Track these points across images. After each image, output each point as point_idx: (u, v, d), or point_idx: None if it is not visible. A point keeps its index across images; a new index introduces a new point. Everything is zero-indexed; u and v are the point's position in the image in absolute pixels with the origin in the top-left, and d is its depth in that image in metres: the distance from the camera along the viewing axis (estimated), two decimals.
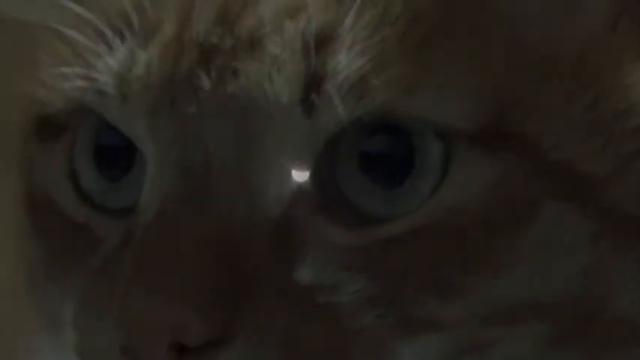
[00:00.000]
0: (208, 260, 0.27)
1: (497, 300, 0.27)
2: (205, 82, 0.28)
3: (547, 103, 0.28)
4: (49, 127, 0.34)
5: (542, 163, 0.28)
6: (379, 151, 0.28)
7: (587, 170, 0.28)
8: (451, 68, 0.28)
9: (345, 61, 0.27)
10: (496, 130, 0.27)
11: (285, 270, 0.27)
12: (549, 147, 0.28)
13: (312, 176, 0.28)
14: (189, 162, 0.28)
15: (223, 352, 0.26)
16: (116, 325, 0.27)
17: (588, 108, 0.29)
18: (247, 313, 0.27)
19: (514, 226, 0.27)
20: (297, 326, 0.27)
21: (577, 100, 0.29)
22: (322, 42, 0.27)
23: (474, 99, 0.27)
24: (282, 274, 0.27)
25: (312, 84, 0.27)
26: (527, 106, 0.28)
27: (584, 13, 0.30)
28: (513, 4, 0.29)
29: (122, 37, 0.30)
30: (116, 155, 0.31)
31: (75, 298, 0.31)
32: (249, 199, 0.28)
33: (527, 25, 0.29)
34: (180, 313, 0.26)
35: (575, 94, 0.29)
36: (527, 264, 0.28)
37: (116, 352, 0.27)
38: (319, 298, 0.27)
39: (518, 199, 0.27)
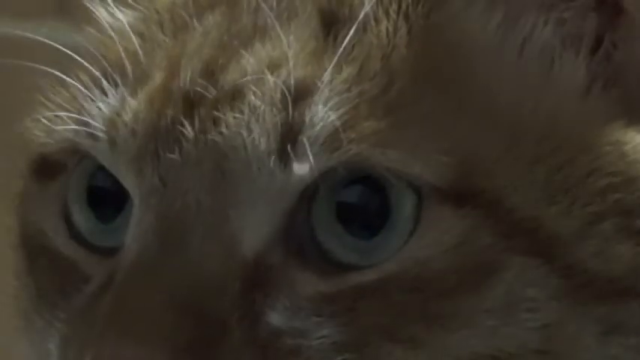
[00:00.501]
0: (181, 306, 0.28)
1: (461, 351, 0.28)
2: (188, 131, 0.29)
3: (514, 164, 0.29)
4: (46, 166, 0.35)
5: (507, 221, 0.28)
6: (355, 201, 0.29)
7: (552, 229, 0.29)
8: (423, 127, 0.29)
9: (322, 114, 0.28)
10: (464, 188, 0.28)
11: (256, 315, 0.28)
12: (515, 206, 0.29)
13: (287, 224, 0.29)
14: (169, 207, 0.29)
15: None
16: None
17: (556, 169, 0.29)
18: (215, 357, 0.27)
19: (479, 280, 0.28)
20: None
21: (545, 162, 0.29)
22: (300, 95, 0.28)
23: (444, 158, 0.28)
24: (253, 319, 0.28)
25: (289, 135, 0.28)
26: (494, 167, 0.29)
27: (559, 79, 0.31)
28: (489, 71, 0.30)
29: (115, 85, 0.31)
30: (108, 197, 0.33)
31: (59, 334, 0.32)
32: (223, 245, 0.29)
33: (501, 90, 0.30)
34: (151, 353, 0.26)
35: (543, 156, 0.29)
36: (490, 318, 0.28)
37: None
38: (287, 342, 0.28)
39: (484, 254, 0.28)
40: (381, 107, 0.28)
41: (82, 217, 0.34)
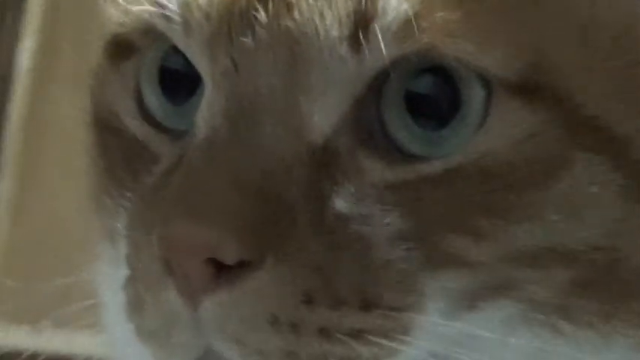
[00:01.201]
0: (249, 186, 0.28)
1: (523, 244, 0.29)
2: (262, 16, 0.29)
3: (586, 62, 0.29)
4: (120, 47, 0.35)
5: (576, 117, 0.29)
6: (425, 91, 0.29)
7: (620, 127, 0.29)
8: (496, 20, 0.29)
9: (395, 3, 0.28)
10: (535, 83, 0.28)
11: (322, 199, 0.29)
12: (585, 102, 0.29)
13: (356, 111, 0.29)
14: (240, 90, 0.29)
15: (255, 273, 0.27)
16: (158, 240, 0.28)
17: (628, 69, 0.29)
18: (281, 239, 0.28)
19: (545, 174, 0.28)
20: (327, 255, 0.28)
21: (617, 61, 0.29)
22: None
23: (516, 51, 0.28)
24: (319, 203, 0.29)
25: (361, 22, 0.28)
26: (566, 63, 0.29)
27: None
28: None
29: None
30: (180, 79, 0.33)
31: (128, 212, 0.33)
32: (293, 129, 0.29)
33: None
34: (217, 232, 0.27)
35: (616, 54, 0.29)
36: (554, 211, 0.28)
37: (158, 266, 0.28)
38: (352, 229, 0.28)
39: (550, 149, 0.28)
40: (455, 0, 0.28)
41: (153, 99, 0.34)
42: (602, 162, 0.29)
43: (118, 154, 0.35)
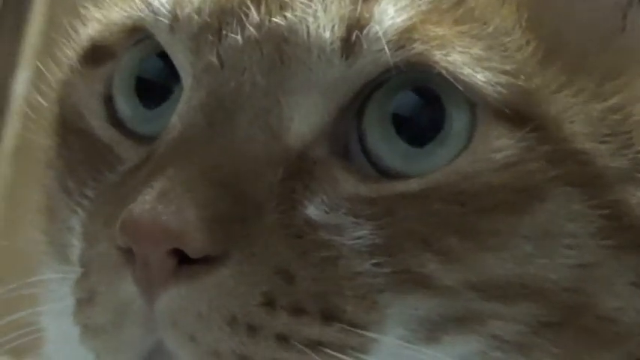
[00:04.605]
0: (220, 181, 0.28)
1: (492, 273, 0.28)
2: (253, 13, 0.30)
3: (575, 97, 0.29)
4: (97, 53, 0.36)
5: (561, 149, 0.28)
6: (411, 107, 0.29)
7: (602, 166, 0.29)
8: (490, 44, 0.29)
9: (391, 13, 0.28)
10: (523, 110, 0.28)
11: (293, 203, 0.28)
12: (571, 136, 0.29)
13: (338, 120, 0.29)
14: (223, 86, 0.29)
15: (217, 269, 0.27)
16: (121, 226, 0.27)
17: (614, 110, 0.29)
18: (246, 237, 0.27)
19: (523, 203, 0.28)
20: (293, 259, 0.28)
21: (604, 101, 0.29)
22: None
23: (506, 76, 0.28)
24: (289, 207, 0.28)
25: (354, 28, 0.28)
26: (555, 95, 0.29)
27: (631, 30, 0.31)
28: (566, 13, 0.31)
29: None
30: (155, 86, 0.33)
31: (85, 211, 0.32)
32: (271, 130, 0.29)
33: (573, 29, 0.31)
34: (184, 222, 0.26)
35: (603, 95, 0.30)
36: (527, 244, 0.28)
37: (115, 257, 0.28)
38: (320, 236, 0.28)
39: (532, 178, 0.28)
40: (452, 17, 0.29)
41: (126, 105, 0.34)
42: (582, 199, 0.29)
43: (81, 155, 0.35)
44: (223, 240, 0.27)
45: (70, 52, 0.38)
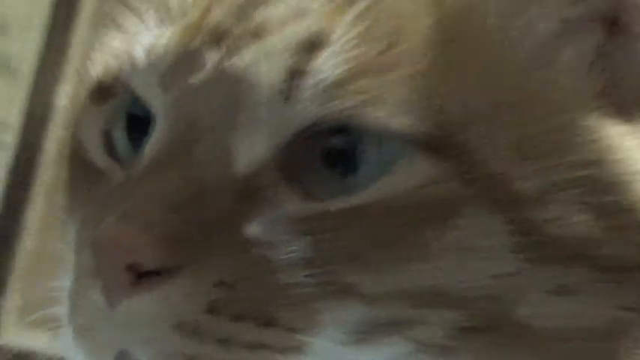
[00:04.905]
0: (177, 203, 0.31)
1: (415, 283, 0.31)
2: (212, 58, 0.33)
3: (492, 125, 0.31)
4: (100, 91, 0.39)
5: (475, 172, 0.31)
6: (342, 143, 0.32)
7: (516, 188, 0.31)
8: (412, 86, 0.31)
9: (327, 66, 0.31)
10: (439, 141, 0.31)
11: (238, 224, 0.31)
12: (484, 161, 0.31)
13: (280, 154, 0.32)
14: (182, 120, 0.33)
15: (169, 281, 0.30)
16: (91, 241, 0.31)
17: (530, 138, 0.32)
18: (196, 254, 0.31)
19: (439, 222, 0.31)
20: (234, 273, 0.31)
21: (521, 129, 0.32)
22: (313, 45, 0.32)
23: (426, 113, 0.31)
24: (234, 226, 0.31)
25: (294, 78, 0.31)
26: (472, 125, 0.31)
27: (553, 64, 0.33)
28: (488, 50, 0.33)
29: (161, 21, 0.36)
30: (142, 121, 0.37)
31: (77, 224, 0.37)
32: (222, 160, 0.32)
33: (492, 62, 0.33)
34: (140, 238, 0.30)
35: (521, 123, 0.32)
36: (446, 258, 0.31)
37: (90, 266, 0.32)
38: (260, 252, 0.31)
39: (446, 199, 0.31)
40: (379, 66, 0.31)
41: (119, 140, 0.38)
42: (497, 217, 0.31)
43: (81, 180, 0.39)
44: (175, 255, 0.30)
45: (82, 89, 0.41)
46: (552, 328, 0.31)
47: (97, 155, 0.39)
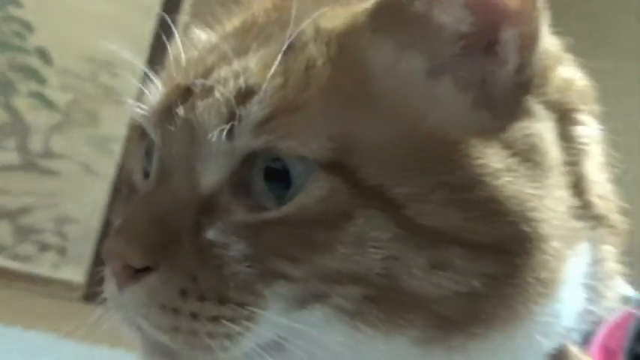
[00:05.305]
0: (157, 219, 0.42)
1: (327, 268, 0.40)
2: (181, 110, 0.43)
3: (374, 149, 0.40)
4: (140, 130, 0.50)
5: (360, 186, 0.40)
6: (276, 168, 0.42)
7: (394, 195, 0.40)
8: (316, 122, 0.40)
9: (254, 110, 0.41)
10: (335, 160, 0.40)
11: (200, 231, 0.41)
12: (367, 175, 0.40)
13: (232, 176, 0.42)
14: (164, 155, 0.44)
15: (151, 275, 0.41)
16: (104, 251, 0.43)
17: (407, 155, 0.40)
18: (170, 255, 0.41)
19: (338, 222, 0.40)
20: (198, 267, 0.41)
21: (398, 150, 0.40)
22: (246, 95, 0.41)
23: (327, 143, 0.40)
24: (198, 233, 0.41)
25: (232, 121, 0.41)
26: (361, 149, 0.40)
27: (426, 95, 0.42)
28: (378, 90, 0.42)
29: (163, 84, 0.47)
30: None
31: None
32: (189, 183, 0.43)
33: (376, 103, 0.42)
34: (128, 249, 0.41)
35: (398, 145, 0.40)
36: (347, 248, 0.40)
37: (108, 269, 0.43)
38: (215, 251, 0.41)
39: (342, 206, 0.39)
40: (291, 107, 0.41)
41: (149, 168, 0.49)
42: (381, 216, 0.40)
43: (126, 197, 0.51)
44: (154, 257, 0.41)
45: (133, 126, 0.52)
46: (433, 294, 0.40)
47: (137, 179, 0.50)
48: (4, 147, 1.87)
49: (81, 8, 1.77)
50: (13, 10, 1.76)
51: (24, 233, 1.89)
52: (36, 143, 1.90)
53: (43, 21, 1.82)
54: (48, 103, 1.88)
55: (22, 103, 1.86)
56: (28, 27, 1.80)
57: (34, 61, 1.84)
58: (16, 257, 1.87)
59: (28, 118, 1.87)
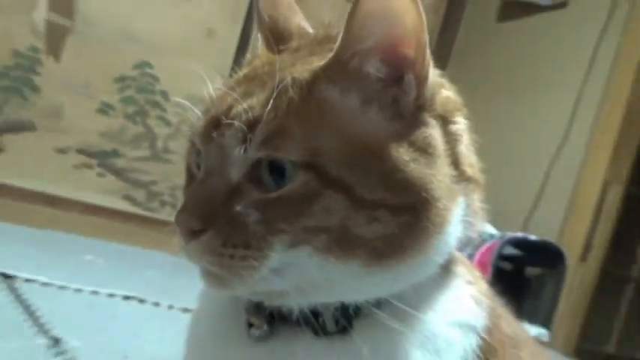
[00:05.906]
0: (206, 198, 0.60)
1: (307, 225, 0.58)
2: (215, 135, 0.62)
3: (336, 154, 0.58)
4: (192, 142, 0.68)
5: (326, 177, 0.58)
6: (277, 166, 0.59)
7: (347, 180, 0.57)
8: (297, 141, 0.58)
9: (257, 135, 0.59)
10: (310, 164, 0.57)
11: (231, 207, 0.59)
12: (329, 169, 0.58)
13: (249, 172, 0.61)
14: (208, 162, 0.63)
15: (204, 234, 0.58)
16: (175, 219, 0.61)
17: (357, 157, 0.58)
18: (214, 222, 0.58)
19: (313, 199, 0.57)
20: (232, 228, 0.58)
21: (351, 154, 0.58)
22: (253, 125, 0.59)
23: (305, 152, 0.57)
24: (231, 207, 0.59)
25: (246, 142, 0.59)
26: (323, 154, 0.58)
27: (363, 119, 0.61)
28: (335, 118, 0.60)
29: (203, 114, 0.66)
30: None
31: None
32: (224, 178, 0.61)
33: (335, 126, 0.60)
34: (190, 219, 0.60)
35: (350, 152, 0.58)
36: (319, 213, 0.57)
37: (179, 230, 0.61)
38: (242, 219, 0.59)
39: (315, 189, 0.57)
40: (281, 131, 0.58)
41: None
42: (339, 195, 0.57)
43: (188, 183, 0.70)
44: (202, 225, 0.58)
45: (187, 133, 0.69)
46: (370, 236, 0.58)
47: (195, 170, 0.68)
48: (142, 147, 3.15)
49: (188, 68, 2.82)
50: (148, 69, 3.09)
51: (152, 196, 3.15)
52: (159, 144, 3.16)
53: (164, 76, 3.11)
54: (166, 122, 3.14)
55: (152, 121, 3.14)
56: (156, 79, 3.10)
57: (159, 98, 3.11)
58: (147, 209, 3.15)
59: (156, 130, 3.13)
